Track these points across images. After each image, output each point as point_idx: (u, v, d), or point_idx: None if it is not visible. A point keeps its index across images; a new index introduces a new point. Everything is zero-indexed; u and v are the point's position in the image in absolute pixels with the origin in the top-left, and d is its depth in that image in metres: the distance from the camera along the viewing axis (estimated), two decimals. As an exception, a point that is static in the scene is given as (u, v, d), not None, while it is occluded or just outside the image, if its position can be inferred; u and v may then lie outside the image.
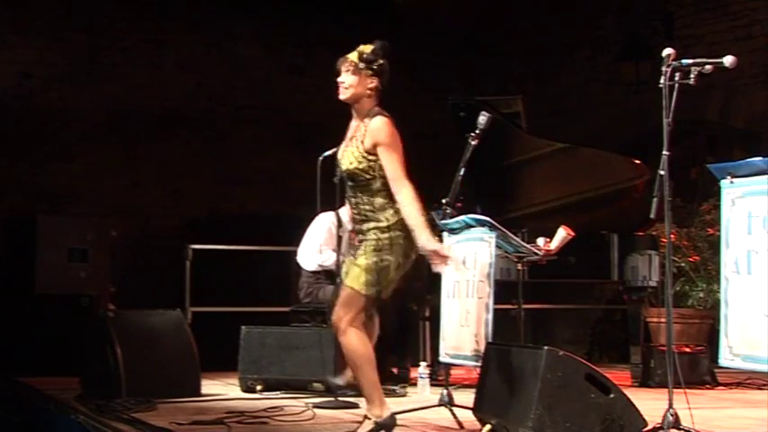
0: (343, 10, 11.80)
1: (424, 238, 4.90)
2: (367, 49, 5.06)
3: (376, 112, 5.03)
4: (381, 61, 5.05)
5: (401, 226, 4.99)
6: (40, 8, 11.36)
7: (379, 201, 5.02)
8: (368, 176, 5.01)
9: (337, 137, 6.62)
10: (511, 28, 12.44)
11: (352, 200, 5.11)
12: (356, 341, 5.00)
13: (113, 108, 11.55)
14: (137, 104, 11.64)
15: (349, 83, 5.04)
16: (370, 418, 5.07)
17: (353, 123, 5.15)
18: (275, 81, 12.17)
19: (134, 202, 11.55)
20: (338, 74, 5.08)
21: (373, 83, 5.05)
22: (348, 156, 5.06)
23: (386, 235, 4.98)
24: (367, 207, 5.03)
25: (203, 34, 12.00)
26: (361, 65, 5.03)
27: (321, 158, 6.51)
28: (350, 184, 5.11)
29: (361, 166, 5.01)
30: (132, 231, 11.22)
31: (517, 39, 12.51)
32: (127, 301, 9.45)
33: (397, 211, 5.00)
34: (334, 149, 6.47)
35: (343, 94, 5.08)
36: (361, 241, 5.08)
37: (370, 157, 5.00)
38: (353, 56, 5.05)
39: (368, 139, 5.00)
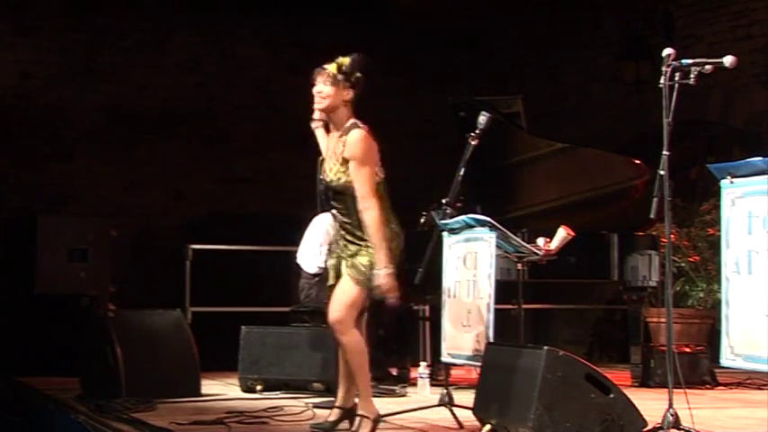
0: (342, 10, 11.80)
1: (382, 268, 4.95)
2: (345, 61, 5.11)
3: (353, 125, 5.09)
4: (358, 74, 5.11)
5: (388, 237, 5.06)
6: (40, 8, 11.35)
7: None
8: (353, 189, 5.06)
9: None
10: (511, 28, 12.43)
11: (343, 210, 5.14)
12: (360, 340, 5.12)
13: (113, 108, 11.55)
14: (137, 104, 11.64)
15: (326, 93, 5.09)
16: (367, 417, 5.16)
17: (333, 135, 5.20)
18: (275, 81, 12.16)
19: (134, 202, 11.55)
20: (313, 83, 5.11)
21: (349, 94, 5.10)
22: (334, 169, 5.11)
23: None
24: (355, 218, 5.06)
25: (203, 34, 12.00)
26: (340, 76, 5.08)
27: (321, 158, 6.49)
28: (334, 195, 5.15)
29: (347, 180, 5.06)
30: (132, 231, 11.22)
31: (517, 38, 12.50)
32: (127, 301, 9.44)
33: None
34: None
35: (320, 104, 5.14)
36: (353, 242, 5.13)
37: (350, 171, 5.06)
38: (332, 67, 5.09)
39: (346, 153, 5.05)
